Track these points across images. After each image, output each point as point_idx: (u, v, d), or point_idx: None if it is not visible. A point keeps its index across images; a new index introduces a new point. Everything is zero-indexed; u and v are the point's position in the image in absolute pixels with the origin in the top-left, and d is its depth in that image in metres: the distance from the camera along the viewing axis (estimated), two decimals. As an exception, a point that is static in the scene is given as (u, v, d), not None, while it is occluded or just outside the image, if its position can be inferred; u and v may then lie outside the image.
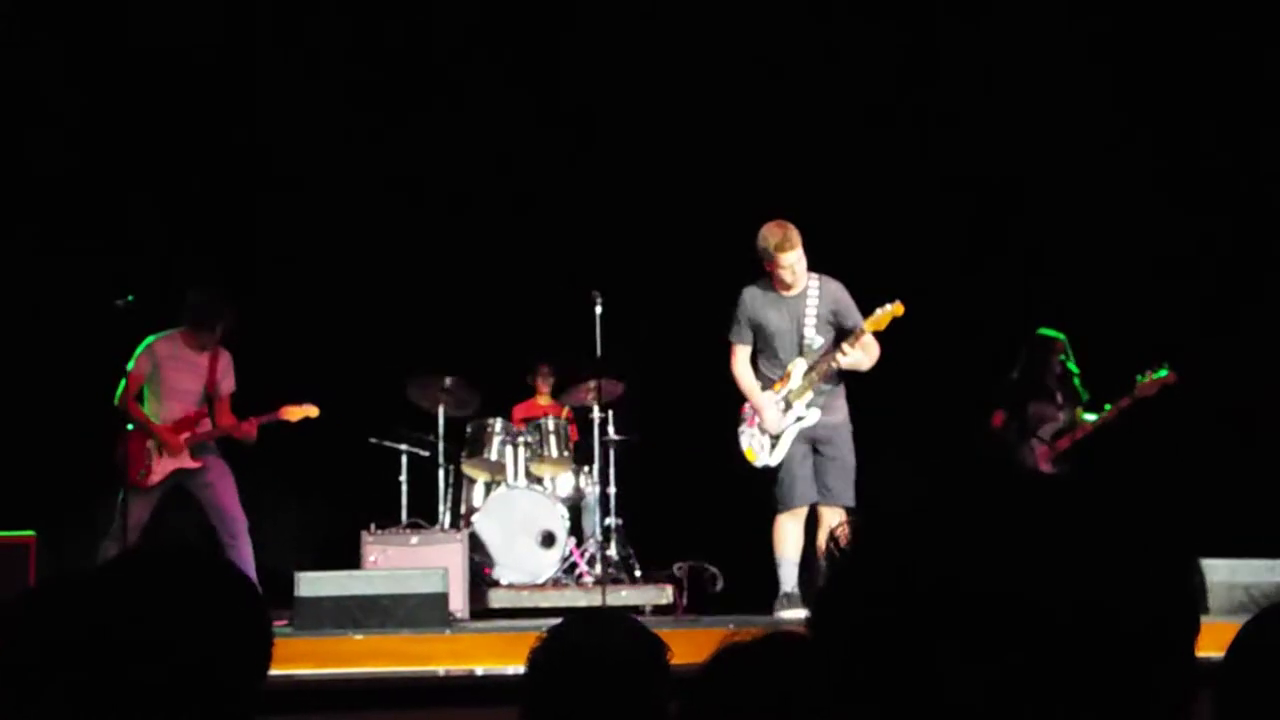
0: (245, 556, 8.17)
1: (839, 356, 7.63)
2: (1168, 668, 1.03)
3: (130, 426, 8.20)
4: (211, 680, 1.63)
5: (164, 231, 10.09)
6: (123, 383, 8.22)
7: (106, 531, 8.19)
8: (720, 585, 8.54)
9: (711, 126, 10.44)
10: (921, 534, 1.05)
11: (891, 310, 7.61)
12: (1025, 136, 10.21)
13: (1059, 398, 8.81)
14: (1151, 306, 9.67)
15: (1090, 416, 8.67)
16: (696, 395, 8.69)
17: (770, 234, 7.66)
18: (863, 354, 7.67)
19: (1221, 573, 7.23)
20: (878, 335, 7.78)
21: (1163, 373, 8.44)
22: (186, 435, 8.29)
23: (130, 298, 7.92)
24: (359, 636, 6.94)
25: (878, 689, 1.03)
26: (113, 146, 10.17)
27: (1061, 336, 8.83)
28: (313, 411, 8.46)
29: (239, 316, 8.39)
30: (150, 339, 8.30)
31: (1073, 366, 8.78)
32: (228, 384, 8.46)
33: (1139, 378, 8.50)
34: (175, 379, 8.32)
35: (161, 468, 8.23)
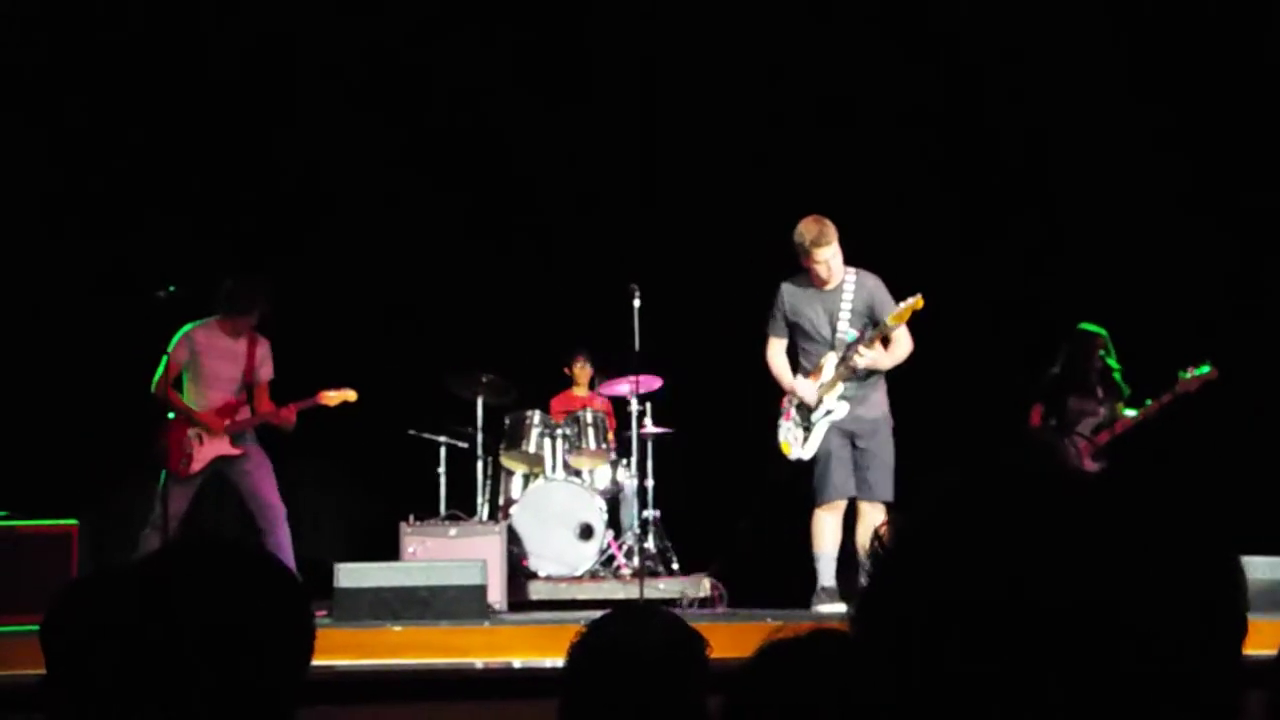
0: (283, 546, 8.21)
1: (854, 358, 7.63)
2: (1215, 666, 1.02)
3: (171, 415, 8.25)
4: (254, 672, 1.63)
5: (207, 223, 10.12)
6: (159, 370, 8.26)
7: (146, 520, 8.24)
8: (724, 605, 8.55)
9: (751, 119, 10.42)
10: (965, 536, 1.04)
11: (912, 304, 7.58)
12: (1068, 133, 10.16)
13: (1100, 393, 8.77)
14: (1194, 303, 9.60)
15: (1131, 411, 8.62)
16: (735, 389, 8.70)
17: (806, 229, 7.67)
18: (881, 353, 7.67)
19: (1263, 570, 7.19)
20: (911, 329, 7.76)
21: (1205, 369, 8.40)
22: (228, 421, 8.34)
23: (172, 288, 7.96)
24: (398, 628, 6.96)
25: (923, 692, 1.03)
26: (157, 136, 10.21)
27: (1103, 332, 8.80)
28: (351, 396, 8.50)
29: (274, 302, 8.42)
30: (187, 327, 8.34)
31: (1113, 362, 8.74)
32: (266, 371, 8.50)
33: (1181, 374, 8.46)
34: (214, 367, 8.37)
35: (202, 456, 8.28)
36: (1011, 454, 1.06)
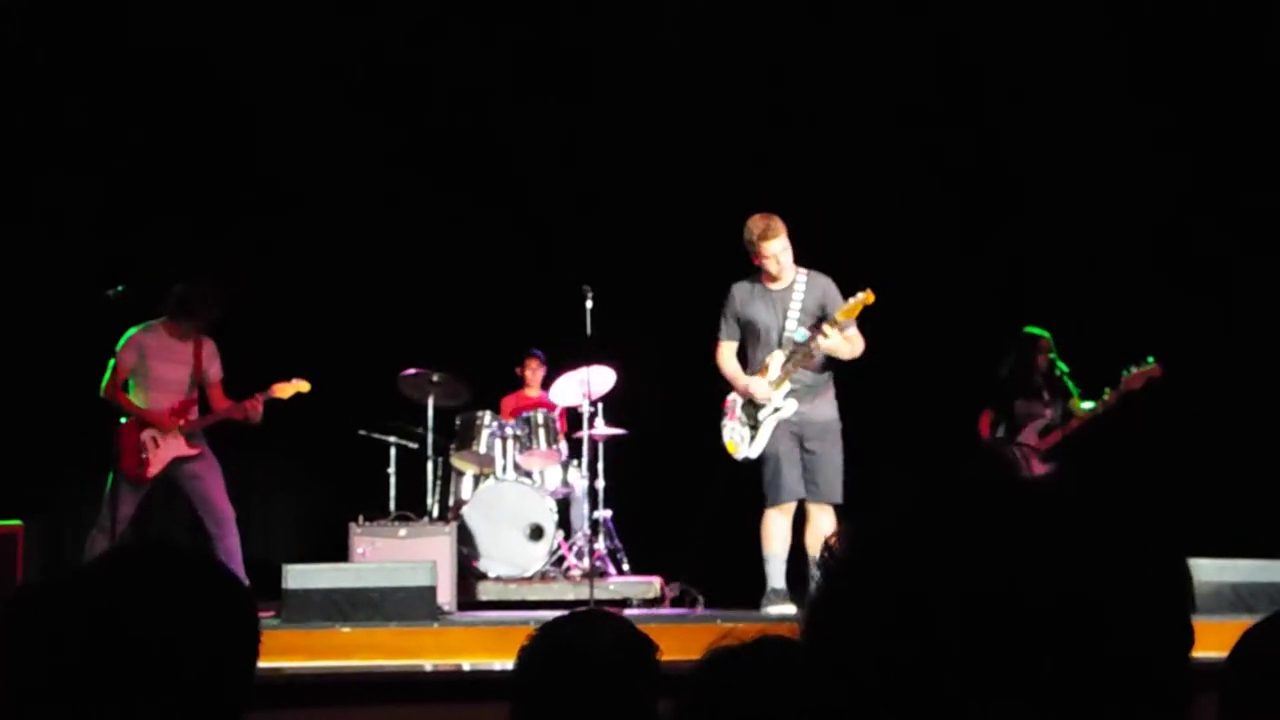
0: (232, 549, 8.16)
1: (819, 339, 7.62)
2: (1163, 667, 1.03)
3: (123, 420, 8.19)
4: (201, 676, 1.63)
5: (155, 221, 10.05)
6: (107, 375, 8.20)
7: (94, 522, 8.18)
8: (701, 606, 8.55)
9: (704, 119, 10.43)
10: (912, 545, 1.05)
11: (863, 299, 7.61)
12: (1014, 132, 10.21)
13: (1046, 395, 8.84)
14: (1138, 304, 9.68)
15: (1087, 405, 8.70)
16: (686, 390, 8.70)
17: (754, 224, 7.73)
18: (840, 340, 7.67)
19: (1210, 572, 7.25)
20: (861, 329, 7.81)
21: (1149, 363, 8.51)
22: (181, 422, 8.28)
23: (120, 288, 7.91)
24: (347, 629, 6.94)
25: (874, 699, 1.03)
26: (103, 134, 10.13)
27: (1046, 334, 8.87)
28: (304, 386, 8.47)
29: (226, 306, 8.36)
30: (132, 330, 8.28)
31: (1061, 365, 8.81)
32: (215, 370, 8.45)
33: (1125, 371, 8.56)
34: (161, 370, 8.31)
35: (160, 458, 8.22)
36: (966, 466, 1.07)
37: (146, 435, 8.21)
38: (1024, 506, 1.06)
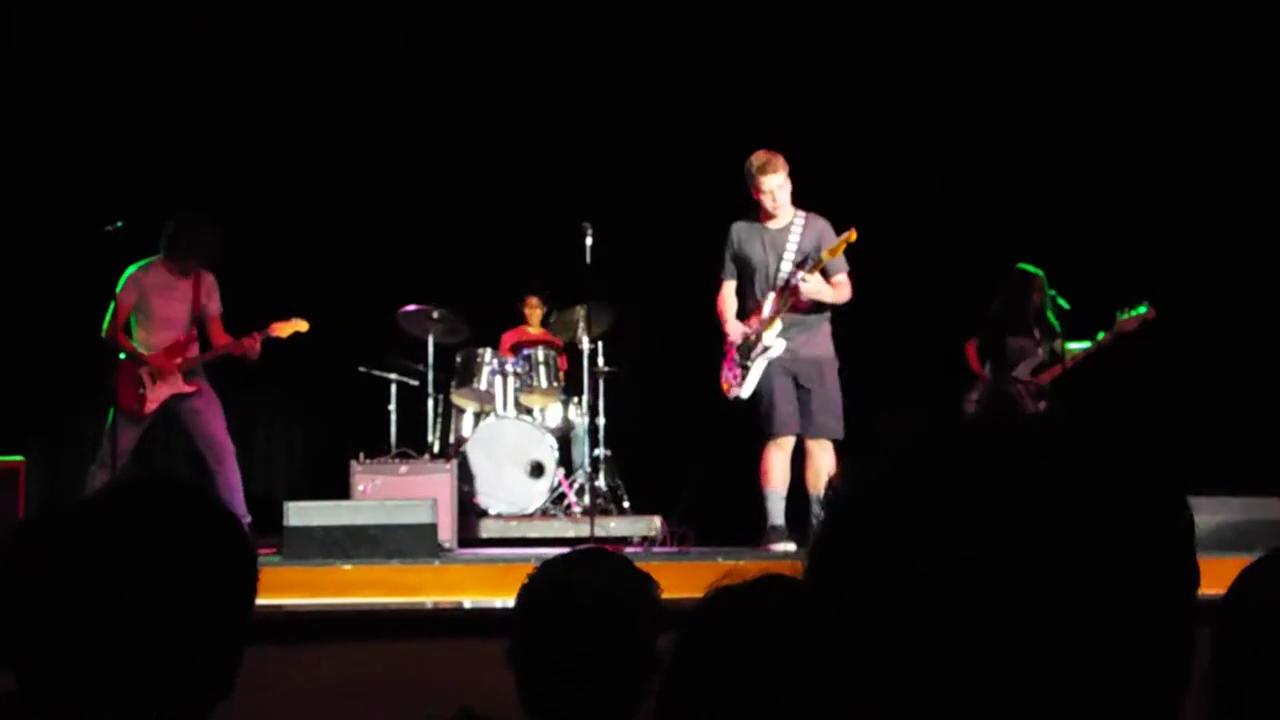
0: (233, 484, 8.19)
1: (801, 284, 7.66)
2: (1169, 605, 1.03)
3: (123, 356, 8.20)
4: (200, 611, 1.63)
5: (155, 157, 10.01)
6: (108, 315, 8.20)
7: (95, 458, 8.21)
8: (692, 545, 8.58)
9: (705, 55, 10.38)
10: (914, 482, 1.04)
11: (846, 236, 7.66)
12: (1005, 73, 10.18)
13: (1037, 333, 8.84)
14: (1132, 243, 9.67)
15: (1076, 345, 8.69)
16: (686, 327, 8.70)
17: (756, 158, 7.76)
18: (823, 284, 7.71)
19: (1207, 510, 7.27)
20: (856, 270, 7.85)
21: (1142, 309, 8.51)
22: (179, 360, 8.28)
23: (120, 224, 7.89)
24: (348, 566, 6.95)
25: (876, 641, 1.03)
26: (103, 70, 10.08)
27: (1040, 273, 8.84)
28: (302, 326, 8.47)
29: (221, 243, 8.34)
30: (131, 268, 8.27)
31: (1061, 302, 8.78)
32: (214, 305, 8.45)
33: (1119, 314, 8.56)
34: (161, 307, 8.31)
35: (157, 395, 8.23)
36: (954, 403, 1.07)
37: (144, 371, 8.22)
38: (1026, 443, 1.06)
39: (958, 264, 9.80)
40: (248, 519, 8.15)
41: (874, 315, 8.35)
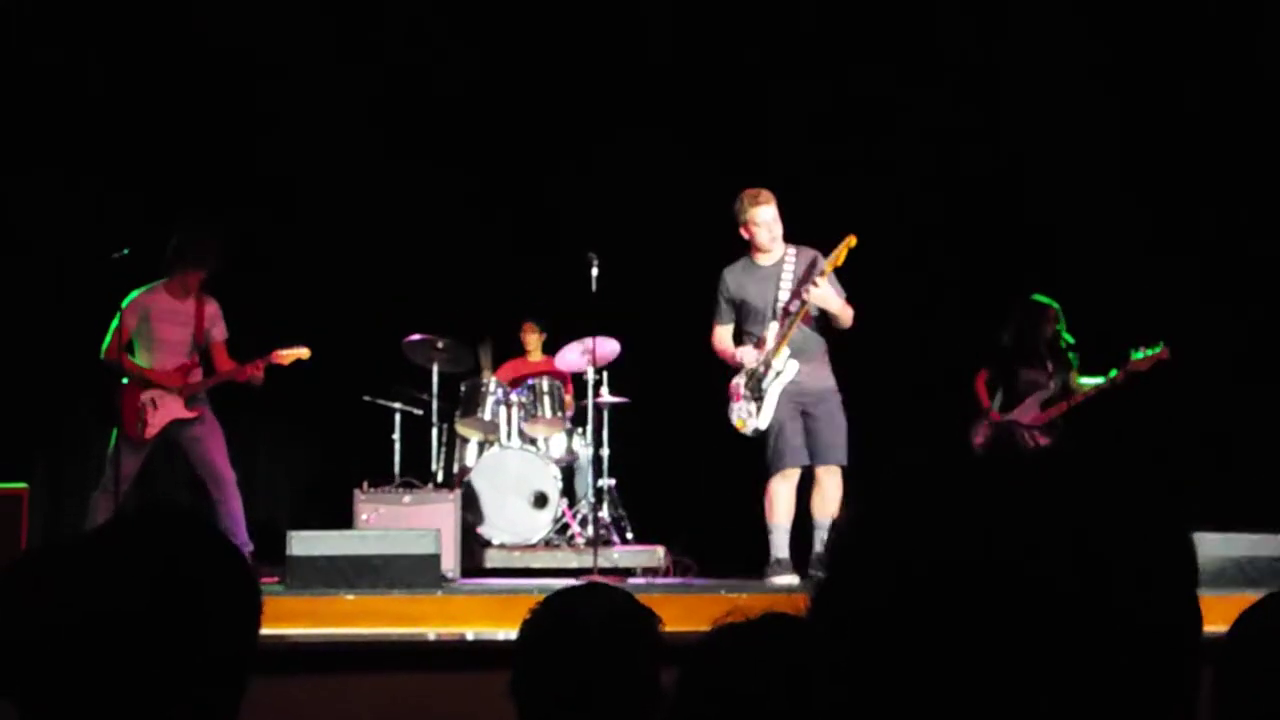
0: (235, 512, 8.18)
1: (809, 289, 7.70)
2: (1173, 640, 1.03)
3: (125, 380, 8.20)
4: (203, 643, 1.63)
5: (161, 185, 10.03)
6: (108, 337, 8.20)
7: (97, 483, 8.21)
8: (694, 575, 8.57)
9: (712, 87, 10.40)
10: (916, 520, 1.05)
11: (846, 243, 7.71)
12: (1022, 109, 10.19)
13: (1049, 366, 8.82)
14: (1146, 278, 9.66)
15: (1089, 381, 8.67)
16: (691, 359, 8.70)
17: (746, 194, 7.87)
18: (830, 292, 7.75)
19: (1213, 546, 7.25)
20: (856, 296, 7.90)
21: (1157, 349, 8.45)
22: (181, 384, 8.28)
23: (126, 250, 7.91)
24: (350, 596, 6.94)
25: (878, 676, 1.03)
26: (114, 96, 10.10)
27: (1054, 304, 8.83)
28: (304, 353, 8.45)
29: (224, 249, 8.33)
30: (134, 293, 8.27)
31: (1067, 336, 8.78)
32: (218, 331, 8.45)
33: (1134, 353, 8.51)
34: (164, 331, 8.31)
35: (158, 420, 8.22)
36: (962, 437, 1.07)
37: (146, 397, 8.22)
38: (1030, 479, 1.06)
39: (961, 293, 9.81)
40: (250, 547, 8.14)
41: (876, 343, 8.37)
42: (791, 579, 7.68)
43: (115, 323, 8.18)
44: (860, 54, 10.30)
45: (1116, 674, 1.00)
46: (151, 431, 8.21)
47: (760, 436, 7.95)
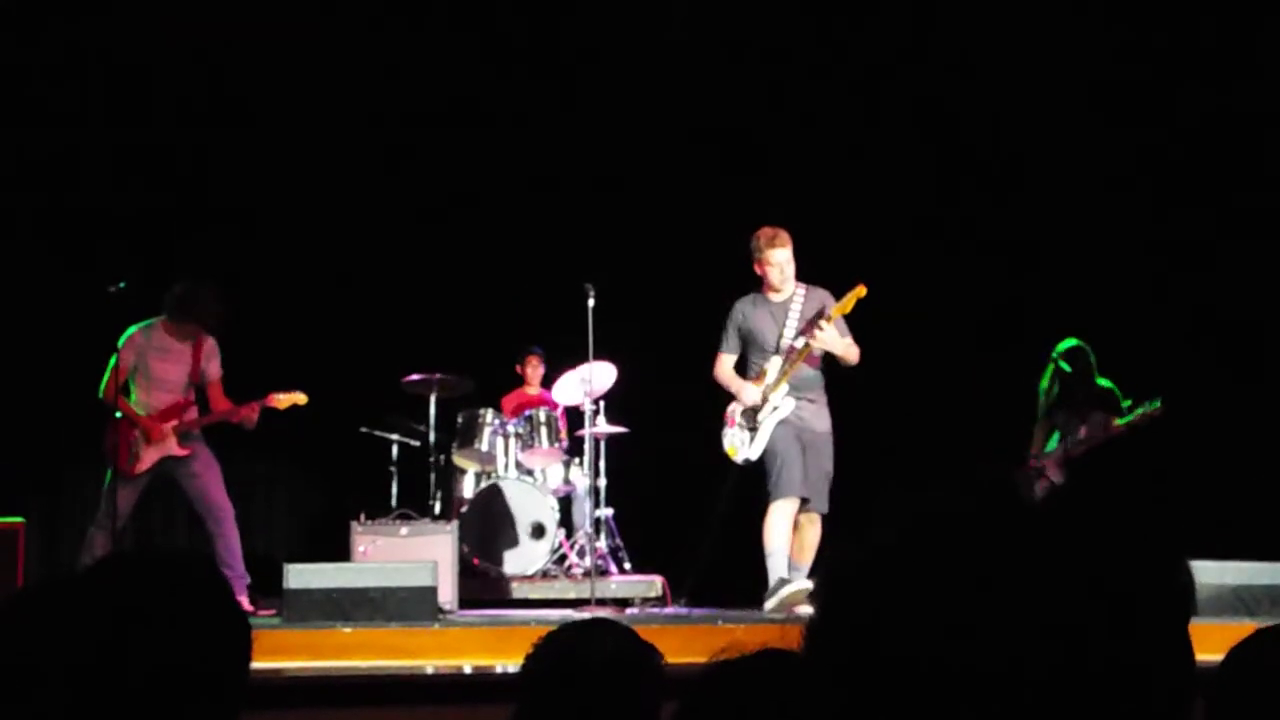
0: (232, 546, 8.16)
1: (816, 333, 7.80)
2: (1165, 673, 1.03)
3: (118, 414, 8.19)
4: (193, 681, 1.63)
5: (157, 218, 10.05)
6: (106, 375, 8.19)
7: (94, 518, 8.20)
8: (685, 606, 8.58)
9: (710, 118, 10.43)
10: (906, 569, 1.06)
11: (855, 292, 7.82)
12: (1023, 142, 10.23)
13: (1087, 408, 8.77)
14: (1142, 319, 9.67)
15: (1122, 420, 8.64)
16: (688, 389, 8.71)
17: (763, 233, 7.97)
18: (835, 335, 7.84)
19: (1210, 574, 7.26)
20: (859, 340, 7.97)
21: (1155, 404, 8.41)
22: (174, 423, 8.27)
23: (123, 284, 7.91)
24: (348, 629, 6.94)
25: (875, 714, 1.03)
26: (107, 133, 10.13)
27: (1074, 345, 8.81)
28: (301, 399, 8.44)
29: (225, 309, 8.34)
30: (132, 329, 8.26)
31: (1102, 380, 8.75)
32: (214, 369, 8.43)
33: (1135, 410, 8.49)
34: (160, 369, 8.30)
35: (149, 456, 8.21)
36: (965, 486, 1.07)
37: (138, 432, 8.22)
38: (1018, 529, 1.07)
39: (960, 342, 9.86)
40: (246, 580, 8.14)
41: (877, 389, 8.42)
42: (806, 607, 7.62)
43: (113, 360, 8.17)
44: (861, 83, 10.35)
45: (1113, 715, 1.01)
46: (142, 467, 8.19)
47: (754, 466, 8.00)
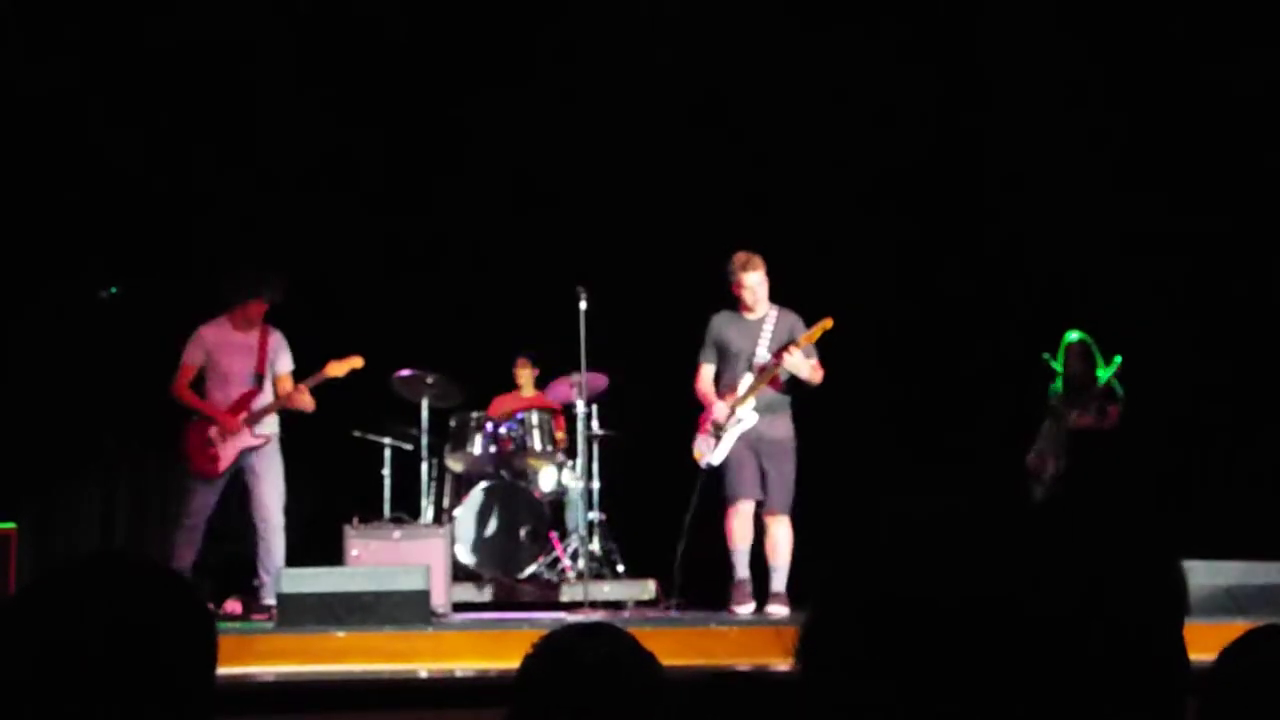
0: (274, 553, 8.23)
1: (785, 357, 8.23)
2: (1160, 673, 1.04)
3: (193, 418, 8.28)
4: (159, 682, 1.63)
5: (147, 224, 10.03)
6: (177, 373, 8.28)
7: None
8: (674, 609, 8.63)
9: (701, 122, 10.43)
10: (898, 569, 1.06)
11: (822, 325, 8.28)
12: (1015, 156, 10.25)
13: (1090, 401, 8.92)
14: (1142, 320, 9.68)
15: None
16: (680, 391, 8.72)
17: (738, 258, 8.42)
18: (802, 360, 8.28)
19: (1203, 574, 7.26)
20: (824, 359, 8.37)
21: (1116, 361, 8.66)
22: (244, 414, 8.33)
23: (114, 289, 7.92)
24: (341, 633, 6.93)
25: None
26: (103, 135, 10.10)
27: (1076, 338, 8.98)
28: (358, 363, 8.55)
29: (282, 278, 8.43)
30: (199, 328, 8.38)
31: (1103, 372, 8.85)
32: (283, 363, 8.54)
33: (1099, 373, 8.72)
34: (228, 364, 8.41)
35: (227, 453, 8.30)
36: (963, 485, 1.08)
37: (214, 431, 8.27)
38: (1012, 525, 1.07)
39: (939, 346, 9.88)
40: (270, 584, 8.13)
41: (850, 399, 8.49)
42: (749, 606, 8.16)
43: (181, 359, 8.29)
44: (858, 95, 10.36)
45: (1105, 713, 1.01)
46: (223, 465, 8.29)
47: (715, 471, 8.38)
